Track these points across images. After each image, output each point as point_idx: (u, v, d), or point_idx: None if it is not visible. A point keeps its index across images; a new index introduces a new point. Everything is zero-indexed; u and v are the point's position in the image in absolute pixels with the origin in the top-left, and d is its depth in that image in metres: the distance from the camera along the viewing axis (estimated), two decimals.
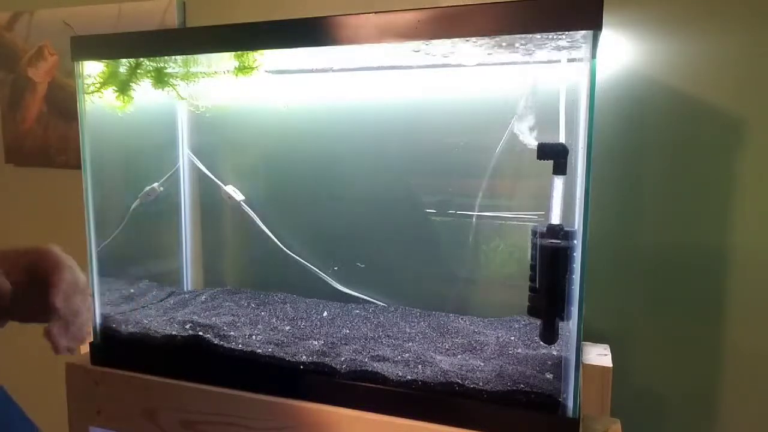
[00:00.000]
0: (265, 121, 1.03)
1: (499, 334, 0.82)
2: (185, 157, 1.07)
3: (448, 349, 0.78)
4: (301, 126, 1.00)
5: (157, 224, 1.10)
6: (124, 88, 0.90)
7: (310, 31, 0.70)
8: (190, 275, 1.10)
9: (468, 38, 0.65)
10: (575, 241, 0.65)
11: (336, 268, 1.00)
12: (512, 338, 0.81)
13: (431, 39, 0.66)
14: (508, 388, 0.67)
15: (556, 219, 0.68)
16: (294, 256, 1.01)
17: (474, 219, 0.92)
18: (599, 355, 0.79)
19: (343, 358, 0.75)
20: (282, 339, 0.81)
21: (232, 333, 0.82)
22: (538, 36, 0.65)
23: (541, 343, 0.71)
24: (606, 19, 0.58)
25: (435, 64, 0.86)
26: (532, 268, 0.69)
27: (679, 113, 0.84)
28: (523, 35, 0.65)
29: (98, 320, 0.88)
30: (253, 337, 0.81)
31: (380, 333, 0.83)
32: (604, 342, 0.84)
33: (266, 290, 1.01)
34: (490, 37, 0.65)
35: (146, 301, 0.98)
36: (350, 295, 0.98)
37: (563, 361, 0.68)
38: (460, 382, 0.68)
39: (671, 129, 0.85)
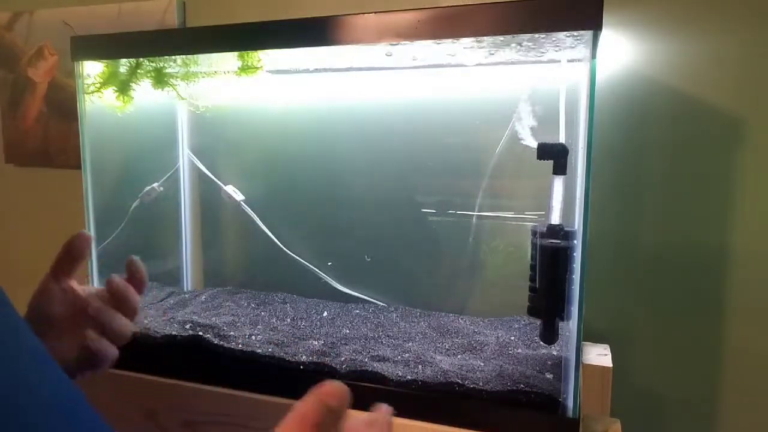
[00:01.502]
0: (265, 121, 1.03)
1: (499, 334, 0.82)
2: (185, 157, 1.07)
3: (448, 349, 0.78)
4: (301, 126, 1.00)
5: (157, 224, 1.10)
6: (124, 88, 0.90)
7: (310, 31, 0.70)
8: (190, 275, 1.10)
9: (471, 38, 0.65)
10: (575, 241, 0.65)
11: (330, 264, 1.00)
12: (512, 338, 0.81)
13: (431, 39, 0.66)
14: (508, 388, 0.67)
15: (556, 219, 0.68)
16: (294, 256, 1.01)
17: (474, 219, 0.92)
18: (599, 355, 0.79)
19: (343, 358, 0.75)
20: (282, 339, 0.81)
21: (232, 333, 0.82)
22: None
23: (541, 343, 0.71)
24: (606, 19, 0.59)
25: (434, 64, 0.86)
26: (532, 268, 0.69)
27: (679, 113, 0.84)
28: (523, 35, 0.65)
29: None
30: (253, 337, 0.81)
31: (380, 333, 0.83)
32: (604, 342, 0.84)
33: (266, 290, 1.01)
34: (490, 36, 0.65)
35: (146, 301, 0.98)
36: (350, 295, 0.99)
37: (563, 361, 0.68)
38: (460, 382, 0.68)
39: (671, 129, 0.85)
